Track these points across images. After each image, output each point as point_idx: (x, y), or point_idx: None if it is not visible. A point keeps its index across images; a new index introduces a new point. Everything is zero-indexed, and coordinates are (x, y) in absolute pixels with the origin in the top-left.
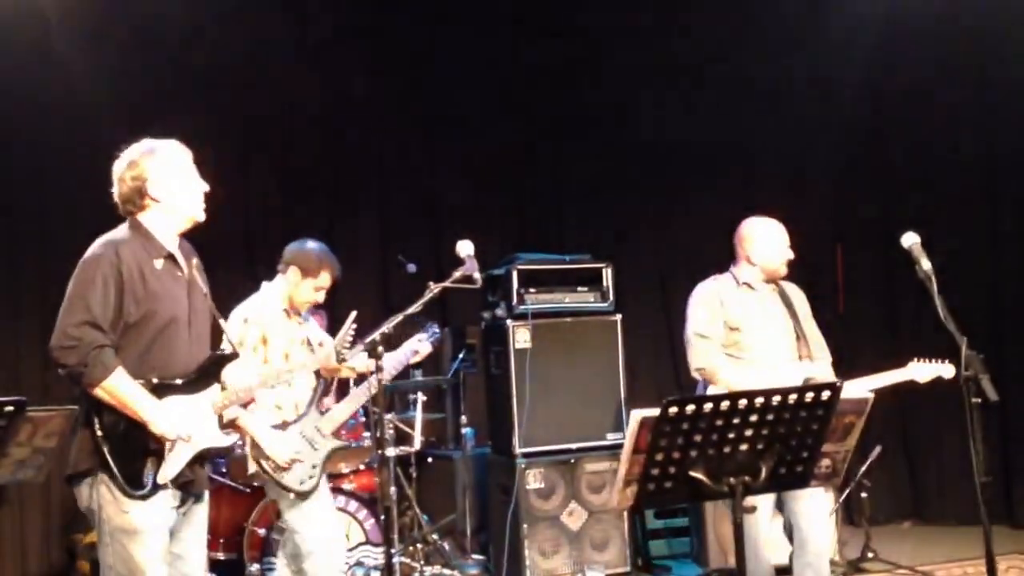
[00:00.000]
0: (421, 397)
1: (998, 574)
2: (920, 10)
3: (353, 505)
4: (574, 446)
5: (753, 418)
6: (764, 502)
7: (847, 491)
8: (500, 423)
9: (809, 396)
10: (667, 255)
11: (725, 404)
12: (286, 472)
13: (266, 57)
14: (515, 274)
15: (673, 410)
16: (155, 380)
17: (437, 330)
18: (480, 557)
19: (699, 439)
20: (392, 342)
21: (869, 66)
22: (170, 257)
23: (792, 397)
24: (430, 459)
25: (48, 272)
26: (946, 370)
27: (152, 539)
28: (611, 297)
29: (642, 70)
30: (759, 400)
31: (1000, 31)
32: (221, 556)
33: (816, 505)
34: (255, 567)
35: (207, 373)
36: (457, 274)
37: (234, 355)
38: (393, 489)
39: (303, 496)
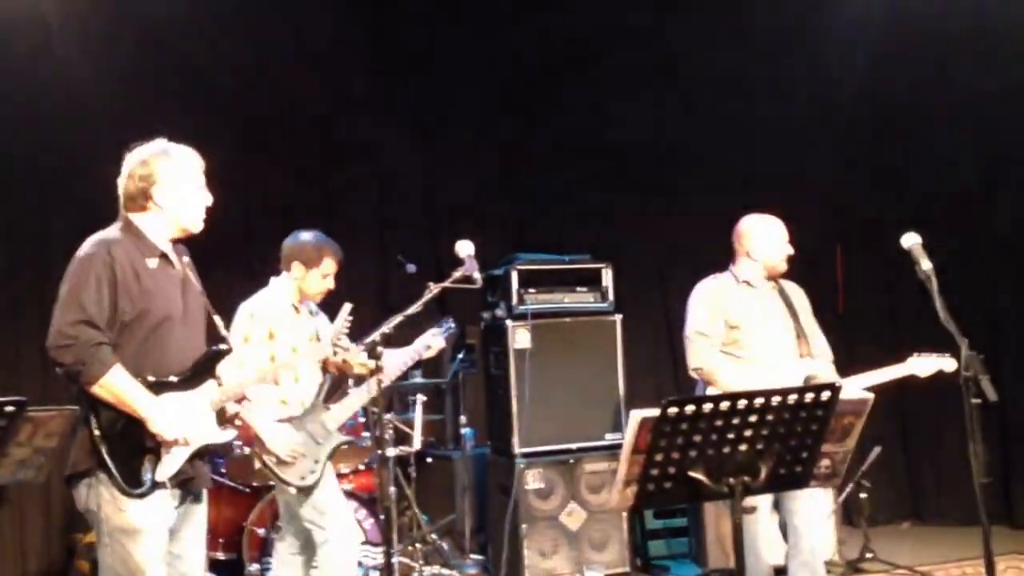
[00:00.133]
0: (421, 397)
1: (997, 574)
2: (920, 10)
3: (352, 505)
4: (573, 446)
5: (752, 418)
6: (763, 502)
7: (846, 491)
8: (499, 423)
9: (808, 397)
10: (667, 255)
11: (725, 404)
12: (288, 467)
13: (266, 57)
14: (515, 274)
15: (673, 410)
16: (151, 378)
17: (453, 325)
18: (479, 557)
19: (699, 439)
20: (392, 342)
21: (869, 66)
22: (163, 256)
23: (791, 398)
24: (429, 459)
25: (48, 272)
26: (947, 363)
27: (151, 538)
28: (611, 297)
29: (642, 70)
30: (758, 400)
31: (1000, 32)
32: (221, 556)
33: (812, 505)
34: (254, 567)
35: (203, 370)
36: (457, 274)
37: (229, 351)
38: (392, 489)
39: (305, 491)
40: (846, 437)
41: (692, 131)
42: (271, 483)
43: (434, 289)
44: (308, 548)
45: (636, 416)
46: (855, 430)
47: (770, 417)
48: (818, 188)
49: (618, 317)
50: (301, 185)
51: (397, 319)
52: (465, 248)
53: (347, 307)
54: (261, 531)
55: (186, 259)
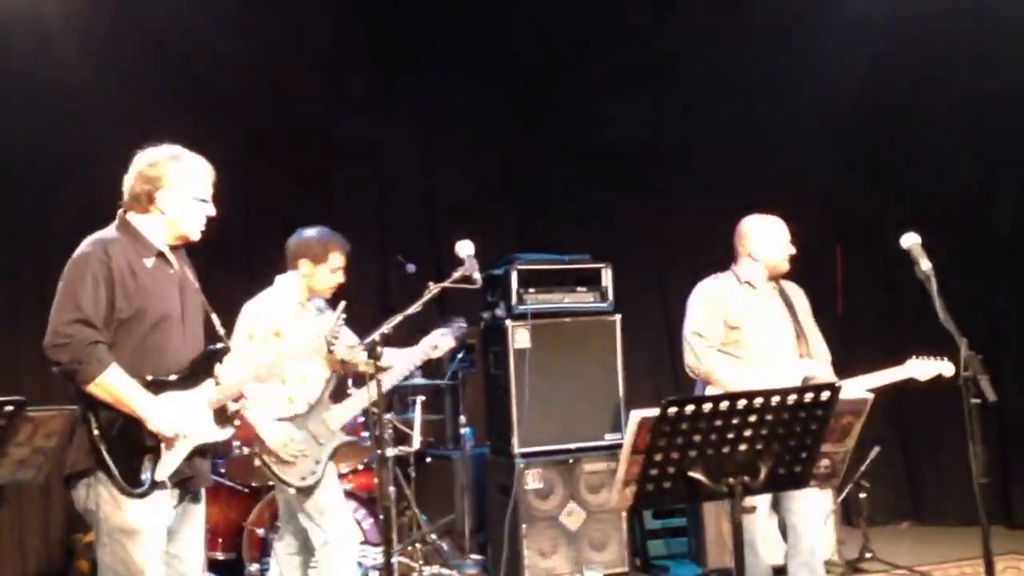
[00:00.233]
0: (420, 397)
1: (996, 574)
2: (920, 11)
3: (352, 505)
4: (573, 446)
5: (752, 418)
6: (761, 502)
7: (845, 491)
8: (499, 423)
9: (808, 397)
10: (667, 255)
11: (724, 404)
12: (288, 467)
13: (266, 57)
14: (514, 274)
15: (672, 410)
16: (149, 377)
17: (463, 324)
18: (479, 557)
19: (698, 439)
20: (391, 342)
21: (869, 67)
22: (160, 255)
23: (791, 398)
24: (429, 459)
25: (48, 272)
26: (945, 367)
27: (150, 538)
28: (610, 297)
29: (642, 70)
30: (758, 400)
31: (999, 32)
32: (220, 556)
33: (811, 504)
34: (254, 567)
35: (201, 369)
36: (457, 274)
37: (227, 350)
38: (392, 489)
39: (305, 492)
40: (845, 437)
41: (692, 131)
42: (271, 483)
43: (434, 289)
44: (307, 548)
45: (636, 416)
46: (854, 430)
47: (769, 417)
48: (818, 188)
49: (618, 317)
50: (301, 185)
51: (397, 319)
52: (465, 248)
53: (341, 305)
54: (260, 531)
55: (184, 259)
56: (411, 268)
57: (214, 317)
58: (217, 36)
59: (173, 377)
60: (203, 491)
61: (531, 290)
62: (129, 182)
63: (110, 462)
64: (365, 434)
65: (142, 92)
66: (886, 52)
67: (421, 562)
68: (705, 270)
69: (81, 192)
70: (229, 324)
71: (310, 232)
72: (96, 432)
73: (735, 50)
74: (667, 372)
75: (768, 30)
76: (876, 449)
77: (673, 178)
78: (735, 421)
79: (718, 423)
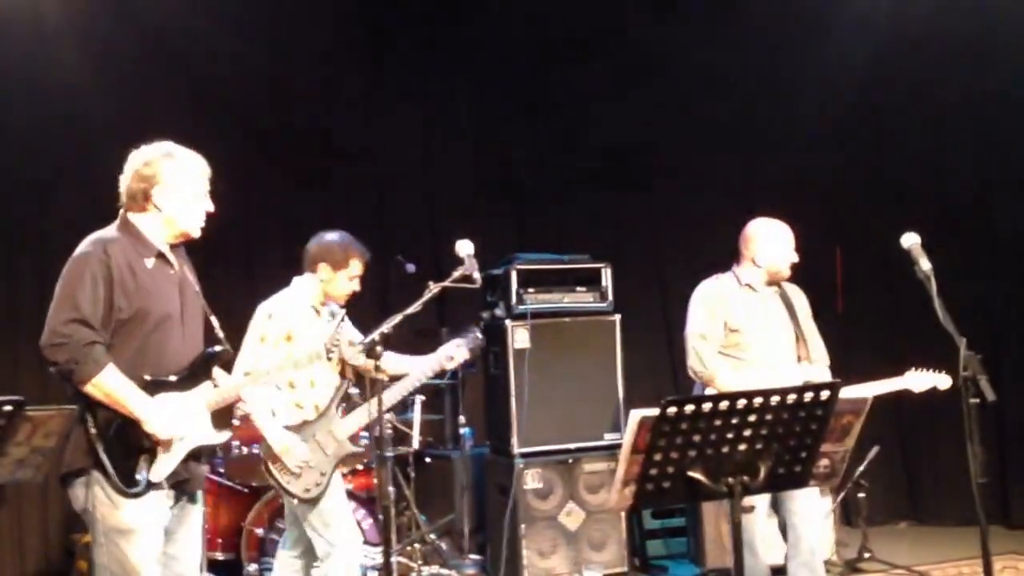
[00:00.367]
0: (419, 397)
1: (994, 574)
2: (920, 12)
3: (351, 505)
4: (572, 446)
5: (752, 418)
6: (760, 502)
7: (844, 491)
8: (498, 423)
9: (808, 396)
10: (667, 255)
11: (724, 404)
12: (293, 478)
13: (266, 57)
14: (514, 274)
15: (672, 410)
16: (148, 377)
17: (480, 336)
18: (478, 557)
19: (698, 439)
20: (391, 342)
21: (869, 68)
22: (161, 256)
23: (791, 397)
24: (428, 459)
25: (47, 272)
26: (942, 381)
27: (146, 539)
28: (610, 297)
29: (642, 70)
30: (758, 400)
31: (1000, 33)
32: (219, 556)
33: (811, 504)
34: (253, 567)
35: (199, 371)
36: (456, 274)
37: (226, 352)
38: (391, 489)
39: (310, 503)
40: (845, 437)
41: (692, 131)
42: (270, 483)
43: (434, 289)
44: (310, 552)
45: (635, 416)
46: (854, 430)
47: (769, 417)
48: (818, 189)
49: (617, 317)
50: (301, 185)
51: (396, 319)
52: (465, 248)
53: (340, 311)
54: (259, 531)
55: (184, 258)
56: (411, 268)
57: (213, 319)
58: (217, 36)
59: (171, 378)
60: (200, 492)
61: (531, 290)
62: (125, 182)
63: (106, 462)
64: (364, 434)
65: (142, 92)
66: (887, 52)
67: (420, 562)
68: (705, 270)
69: (81, 192)
70: (228, 326)
71: (332, 236)
72: (93, 432)
73: (735, 50)
74: (666, 372)
75: (768, 30)
76: (875, 449)
77: (673, 178)
78: (735, 421)
79: (718, 423)
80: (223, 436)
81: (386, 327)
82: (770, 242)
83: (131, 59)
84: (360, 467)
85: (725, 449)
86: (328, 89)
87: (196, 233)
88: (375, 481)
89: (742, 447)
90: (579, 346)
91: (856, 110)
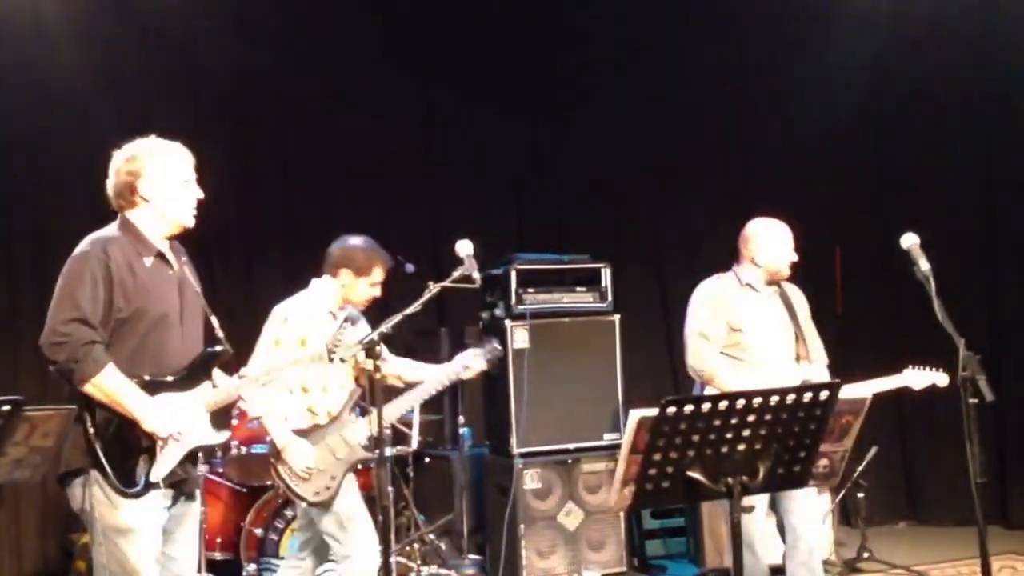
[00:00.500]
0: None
1: (992, 574)
2: (921, 13)
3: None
4: (572, 446)
5: (751, 418)
6: (760, 502)
7: (843, 491)
8: (498, 423)
9: (807, 396)
10: (667, 255)
11: (723, 404)
12: (302, 481)
13: (266, 57)
14: (513, 274)
15: (671, 410)
16: (147, 377)
17: (498, 347)
18: (477, 557)
19: (697, 439)
20: (393, 343)
21: (870, 68)
22: (160, 255)
23: (790, 397)
24: (427, 459)
25: (45, 271)
26: (940, 378)
27: (145, 538)
28: (609, 297)
29: (642, 70)
30: (757, 400)
31: (1001, 34)
32: (218, 556)
33: (809, 503)
34: (252, 567)
35: (199, 370)
36: (456, 274)
37: (225, 352)
38: (390, 489)
39: (321, 506)
40: (844, 437)
41: (693, 131)
42: (268, 483)
43: (433, 289)
44: (317, 555)
45: (634, 416)
46: (853, 430)
47: (768, 417)
48: (819, 189)
49: (617, 317)
50: (301, 186)
51: (396, 319)
52: (464, 248)
53: (343, 315)
54: (258, 531)
55: (185, 259)
56: (411, 268)
57: (213, 319)
58: (217, 36)
59: (170, 378)
60: (199, 492)
61: (530, 290)
62: (110, 182)
63: (105, 462)
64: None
65: (142, 92)
66: (887, 53)
67: (419, 562)
68: (705, 270)
69: (81, 192)
70: (228, 326)
71: (355, 242)
72: (91, 431)
73: (736, 50)
74: (666, 372)
75: (769, 30)
76: (874, 449)
77: (673, 178)
78: (734, 421)
79: (717, 423)
80: (222, 436)
81: (385, 327)
82: (769, 242)
83: (131, 59)
84: (359, 467)
85: (724, 449)
86: (328, 89)
87: (189, 222)
88: (374, 481)
89: (741, 447)
90: (578, 346)
91: (856, 110)
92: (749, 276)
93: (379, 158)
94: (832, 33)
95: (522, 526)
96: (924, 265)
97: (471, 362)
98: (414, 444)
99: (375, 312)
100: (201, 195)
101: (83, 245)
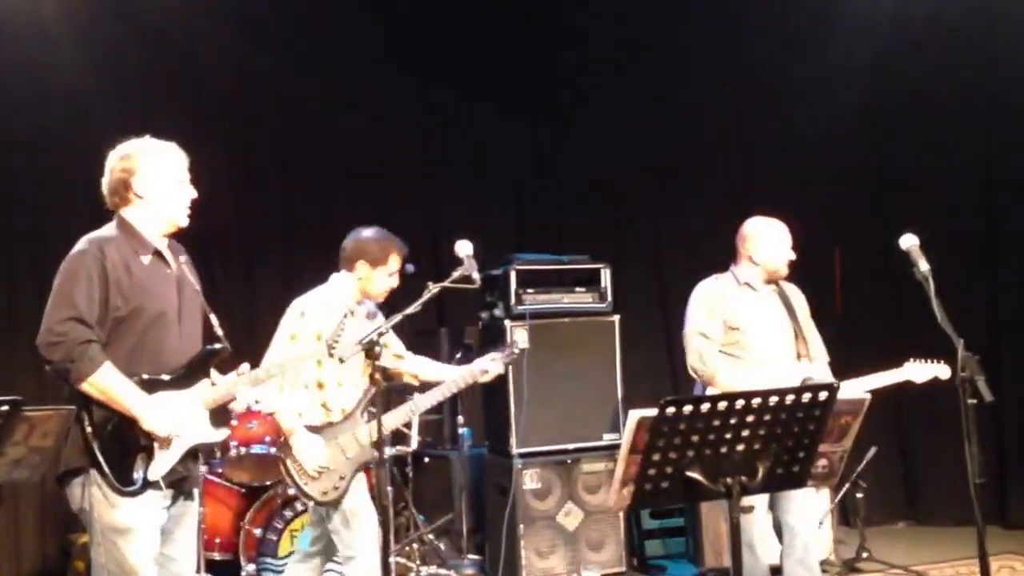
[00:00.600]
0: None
1: (991, 574)
2: (922, 13)
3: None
4: (571, 446)
5: (750, 418)
6: (759, 502)
7: (843, 491)
8: (497, 423)
9: (806, 397)
10: (667, 255)
11: (722, 404)
12: (311, 479)
13: (266, 57)
14: (513, 274)
15: (670, 410)
16: (145, 376)
17: (516, 351)
18: (476, 557)
19: (696, 439)
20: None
21: (870, 68)
22: (157, 253)
23: (789, 398)
24: (427, 459)
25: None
26: (942, 370)
27: (144, 538)
28: (609, 298)
29: (643, 70)
30: (756, 400)
31: (1001, 35)
32: (217, 556)
33: (806, 502)
34: (251, 567)
35: (197, 369)
36: (456, 274)
37: (224, 351)
38: (389, 489)
39: (329, 505)
40: (843, 437)
41: (693, 131)
42: (268, 483)
43: (433, 289)
44: (327, 552)
45: (634, 416)
46: (852, 430)
47: (767, 417)
48: (819, 190)
49: (616, 318)
50: (301, 186)
51: (396, 319)
52: (464, 248)
53: (344, 312)
54: (257, 531)
55: (184, 258)
56: (410, 268)
57: (212, 317)
58: (217, 36)
59: (168, 376)
60: (197, 491)
61: (530, 290)
62: (105, 180)
63: (103, 461)
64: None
65: (142, 92)
66: (887, 53)
67: (418, 562)
68: (704, 270)
69: (80, 193)
70: (228, 325)
71: (368, 233)
72: (90, 430)
73: (736, 50)
74: (665, 372)
75: (769, 31)
76: (873, 449)
77: (673, 178)
78: (733, 421)
79: (716, 423)
80: (221, 434)
81: (385, 327)
82: (767, 240)
83: (131, 59)
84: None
85: (723, 449)
86: (328, 89)
87: (183, 221)
88: (373, 481)
89: (740, 447)
90: (578, 346)
91: (857, 110)
92: (747, 275)
93: (379, 158)
94: (832, 33)
95: (521, 526)
96: (923, 266)
97: (489, 366)
98: (413, 444)
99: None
100: (195, 195)
101: (79, 244)
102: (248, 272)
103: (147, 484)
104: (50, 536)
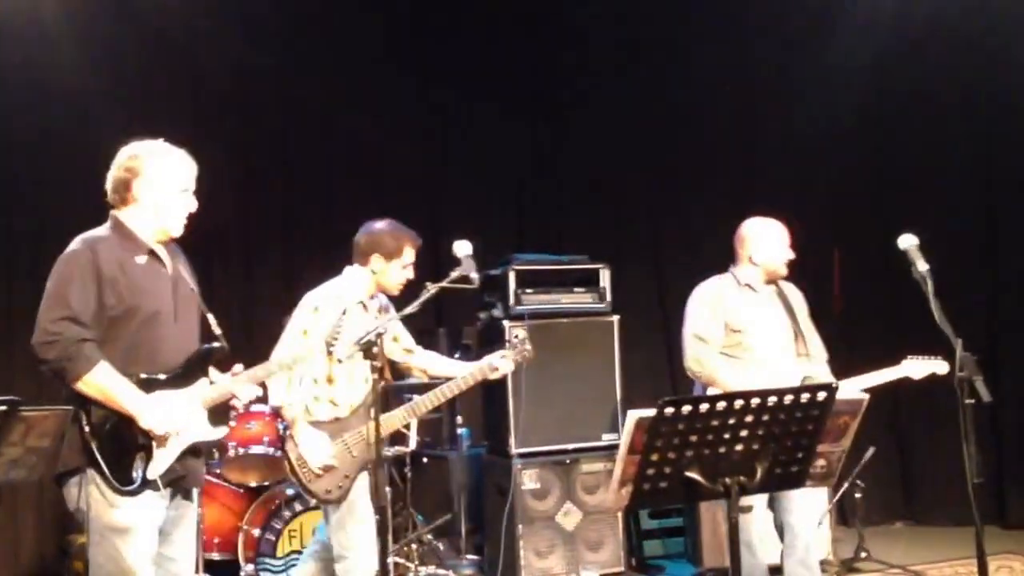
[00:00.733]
0: (416, 396)
1: (989, 574)
2: (923, 14)
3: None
4: (570, 447)
5: (749, 418)
6: (758, 501)
7: (841, 491)
8: (496, 423)
9: (805, 397)
10: (667, 255)
11: (721, 404)
12: (316, 478)
13: (267, 56)
14: (512, 274)
15: (669, 410)
16: (142, 375)
17: (528, 348)
18: (475, 557)
19: (695, 439)
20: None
21: (871, 69)
22: (152, 253)
23: (788, 398)
24: (425, 459)
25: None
26: (939, 366)
27: (141, 537)
28: (608, 298)
29: (643, 70)
30: (755, 400)
31: (1002, 35)
32: (216, 556)
33: (807, 502)
34: (250, 567)
35: (195, 367)
36: (454, 274)
37: (222, 350)
38: (388, 489)
39: (331, 503)
40: (842, 437)
41: (693, 131)
42: (267, 483)
43: (432, 289)
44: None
45: (632, 416)
46: (851, 430)
47: (766, 417)
48: (819, 190)
49: (615, 318)
50: (301, 185)
51: (395, 319)
52: (463, 248)
53: (341, 311)
54: (256, 531)
55: (181, 258)
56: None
57: (210, 316)
58: (218, 36)
59: (166, 376)
60: (196, 491)
61: (529, 290)
62: (110, 175)
63: (101, 460)
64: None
65: (142, 92)
66: (888, 53)
67: (417, 562)
68: (704, 271)
69: (80, 192)
70: (227, 325)
71: (380, 225)
72: (87, 430)
73: (736, 51)
74: (664, 372)
75: (770, 31)
76: (872, 449)
77: (673, 178)
78: (731, 421)
79: (715, 423)
80: (220, 432)
81: (382, 327)
82: (766, 241)
83: (131, 59)
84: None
85: (722, 449)
86: (328, 89)
87: (177, 232)
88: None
89: (739, 447)
90: (577, 347)
91: (857, 110)
92: (747, 276)
93: (379, 158)
94: (832, 33)
95: (520, 526)
96: (922, 266)
97: (499, 363)
98: (412, 444)
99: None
100: (195, 206)
101: (72, 245)
102: (248, 272)
103: (145, 483)
104: (48, 536)
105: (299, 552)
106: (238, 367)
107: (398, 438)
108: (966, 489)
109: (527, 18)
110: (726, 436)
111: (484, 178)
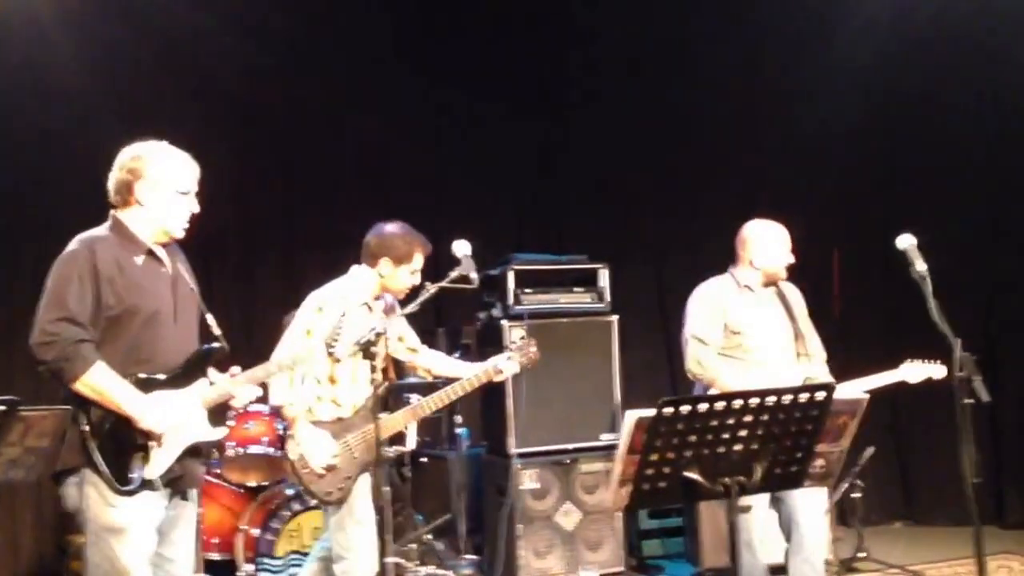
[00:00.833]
0: (416, 396)
1: (988, 574)
2: (926, 15)
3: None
4: (569, 447)
5: (748, 418)
6: (758, 501)
7: (840, 491)
8: (495, 423)
9: (804, 397)
10: (665, 256)
11: (720, 404)
12: (318, 478)
13: (267, 57)
14: (511, 274)
15: (668, 410)
16: (141, 375)
17: (533, 350)
18: (474, 557)
19: (694, 439)
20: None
21: (873, 70)
22: (151, 253)
23: (787, 398)
24: (424, 459)
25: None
26: (937, 370)
27: (138, 538)
28: (607, 298)
29: (644, 70)
30: (754, 400)
31: (1006, 38)
32: (215, 557)
33: (813, 501)
34: (249, 568)
35: (194, 368)
36: (453, 274)
37: (222, 350)
38: (387, 489)
39: (332, 504)
40: (841, 437)
41: (693, 132)
42: (265, 483)
43: (431, 289)
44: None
45: (631, 416)
46: (850, 430)
47: (765, 417)
48: (823, 190)
49: (615, 318)
50: (301, 185)
51: (394, 318)
52: (462, 248)
53: (341, 312)
54: (255, 532)
55: (180, 258)
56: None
57: (209, 316)
58: (218, 36)
59: (165, 376)
60: (194, 492)
61: (528, 290)
62: (112, 175)
63: (99, 460)
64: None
65: (143, 92)
66: (891, 54)
67: (417, 562)
68: (703, 271)
69: (81, 193)
70: (227, 326)
71: (392, 229)
72: (86, 429)
73: (740, 53)
74: (664, 372)
75: (772, 32)
76: (871, 449)
77: (673, 178)
78: (731, 421)
79: (714, 423)
80: (219, 432)
81: (381, 327)
82: (766, 244)
83: (131, 59)
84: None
85: (721, 449)
86: (328, 89)
87: (178, 234)
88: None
89: (738, 447)
90: (576, 347)
91: (859, 111)
92: (747, 278)
93: (380, 158)
94: (836, 35)
95: (520, 526)
96: (920, 266)
97: (504, 365)
98: (411, 444)
99: None
100: (197, 209)
101: (70, 245)
102: (248, 272)
103: (144, 483)
104: (47, 536)
105: (298, 552)
106: (235, 369)
107: (397, 438)
108: (965, 489)
109: (530, 18)
110: (725, 436)
111: (485, 178)
